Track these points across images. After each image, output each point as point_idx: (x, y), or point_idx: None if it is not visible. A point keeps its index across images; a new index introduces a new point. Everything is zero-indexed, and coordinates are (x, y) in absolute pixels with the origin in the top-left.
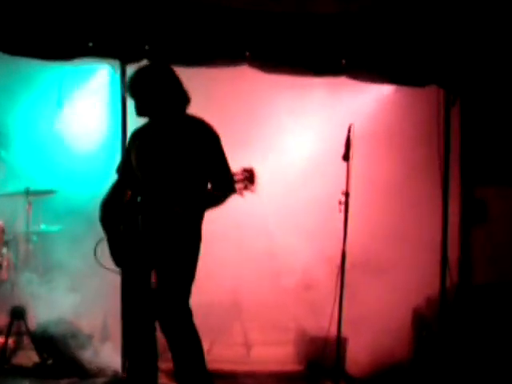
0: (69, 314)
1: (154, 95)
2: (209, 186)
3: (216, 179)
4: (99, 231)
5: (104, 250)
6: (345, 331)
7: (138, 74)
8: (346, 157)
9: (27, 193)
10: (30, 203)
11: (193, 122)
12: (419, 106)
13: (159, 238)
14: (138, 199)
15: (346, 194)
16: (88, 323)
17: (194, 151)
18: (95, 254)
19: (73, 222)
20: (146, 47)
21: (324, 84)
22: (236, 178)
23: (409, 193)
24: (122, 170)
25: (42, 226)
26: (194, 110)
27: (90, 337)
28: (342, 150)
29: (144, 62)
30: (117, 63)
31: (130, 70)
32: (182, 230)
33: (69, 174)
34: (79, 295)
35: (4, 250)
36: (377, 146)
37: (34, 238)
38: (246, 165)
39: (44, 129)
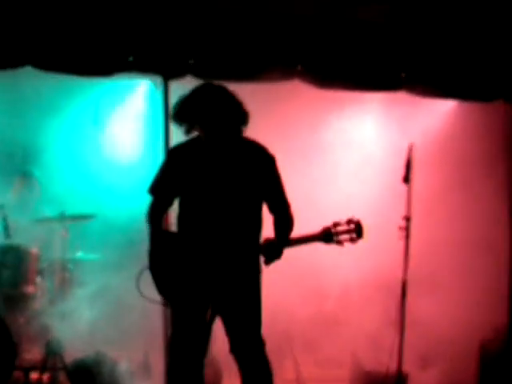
0: (107, 348)
1: (213, 115)
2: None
3: (273, 204)
4: (141, 258)
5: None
6: (406, 366)
7: (194, 92)
8: (407, 179)
9: (63, 217)
10: (66, 228)
11: (249, 145)
12: (484, 122)
13: (223, 269)
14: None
15: (407, 219)
16: (128, 358)
17: (252, 175)
18: (137, 283)
19: (112, 249)
20: (191, 61)
21: (379, 100)
22: (339, 228)
23: (475, 217)
24: (159, 189)
25: (79, 254)
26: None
27: (130, 373)
28: (400, 171)
29: (188, 78)
30: (158, 78)
31: (173, 85)
32: (248, 258)
33: (107, 196)
34: (119, 328)
35: (38, 279)
36: (438, 166)
37: (71, 266)
38: (350, 215)
39: (81, 148)
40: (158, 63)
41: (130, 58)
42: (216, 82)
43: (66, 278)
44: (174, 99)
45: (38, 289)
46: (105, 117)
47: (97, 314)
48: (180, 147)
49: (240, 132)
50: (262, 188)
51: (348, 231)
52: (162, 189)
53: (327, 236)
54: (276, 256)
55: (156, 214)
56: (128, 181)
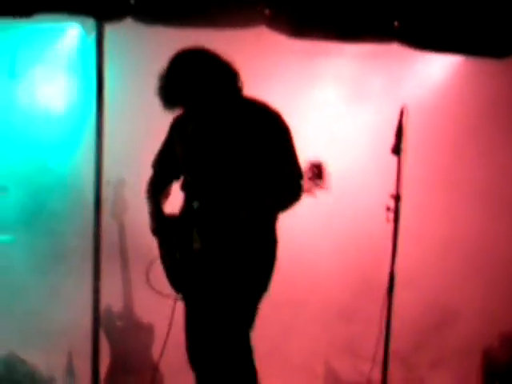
0: (22, 349)
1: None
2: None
3: (282, 176)
4: (65, 240)
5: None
6: (392, 377)
7: (172, 66)
8: (397, 149)
9: None
10: None
11: (254, 108)
12: (495, 82)
13: (223, 253)
14: (195, 206)
15: (396, 198)
16: (49, 363)
17: (258, 144)
18: (148, 277)
19: (31, 230)
20: (132, 1)
21: (367, 53)
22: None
23: (482, 198)
24: (159, 163)
25: None
26: None
27: (50, 380)
28: (390, 140)
29: (128, 21)
30: (91, 22)
31: (109, 30)
32: (250, 241)
33: (25, 165)
34: (37, 327)
35: None
36: (437, 134)
37: None
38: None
39: None
40: (91, 2)
41: None
42: (193, 46)
43: None
44: (110, 47)
45: None
46: (23, 69)
47: (10, 309)
48: (181, 116)
49: (234, 96)
50: (269, 160)
51: (312, 177)
52: (162, 162)
53: None
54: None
55: (154, 190)
56: (51, 146)
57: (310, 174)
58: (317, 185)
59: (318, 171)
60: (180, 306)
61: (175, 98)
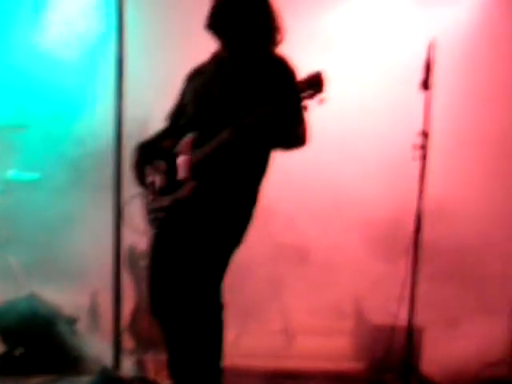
0: (44, 290)
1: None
2: None
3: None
4: (89, 179)
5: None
6: (421, 319)
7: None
8: (426, 84)
9: None
10: None
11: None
12: None
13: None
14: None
15: (425, 135)
16: (71, 302)
17: (257, 88)
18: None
19: (54, 167)
20: None
21: None
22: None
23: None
24: (174, 116)
25: (13, 173)
26: None
27: (72, 320)
28: (418, 75)
29: None
30: None
31: None
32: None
33: (46, 101)
34: (58, 265)
35: None
36: (471, 71)
37: (1, 187)
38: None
39: (15, 42)
40: None
41: None
42: None
43: None
44: None
45: None
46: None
47: (32, 246)
48: (197, 66)
49: (265, 49)
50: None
51: (307, 89)
52: (175, 115)
53: None
54: None
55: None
56: (72, 82)
57: (304, 86)
58: (313, 97)
59: (314, 81)
60: None
61: (217, 26)
